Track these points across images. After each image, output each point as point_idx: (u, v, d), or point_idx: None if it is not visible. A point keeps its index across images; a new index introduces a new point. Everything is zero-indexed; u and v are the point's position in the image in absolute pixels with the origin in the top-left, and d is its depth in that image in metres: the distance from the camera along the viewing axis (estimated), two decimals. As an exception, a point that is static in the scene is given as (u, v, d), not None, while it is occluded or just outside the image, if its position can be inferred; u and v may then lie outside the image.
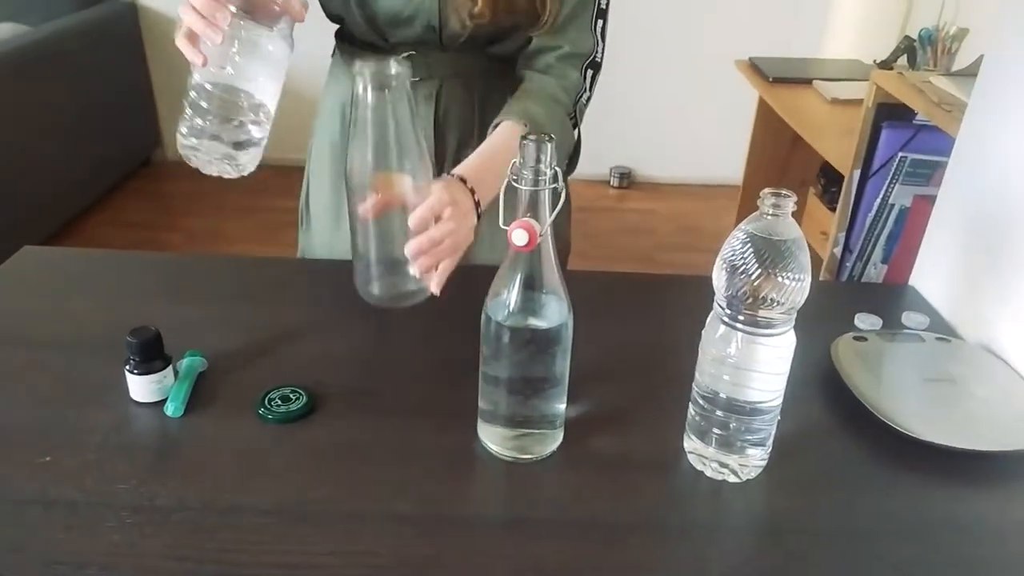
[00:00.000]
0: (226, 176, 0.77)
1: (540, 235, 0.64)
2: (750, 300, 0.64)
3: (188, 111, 0.74)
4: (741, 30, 2.98)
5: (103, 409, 0.77)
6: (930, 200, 1.24)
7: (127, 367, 0.77)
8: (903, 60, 2.24)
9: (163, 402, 0.77)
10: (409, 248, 0.76)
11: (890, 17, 2.46)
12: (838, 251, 1.49)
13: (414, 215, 0.76)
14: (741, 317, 0.66)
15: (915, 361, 0.86)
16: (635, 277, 1.18)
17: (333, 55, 1.12)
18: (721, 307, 0.67)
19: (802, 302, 0.64)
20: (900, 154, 1.28)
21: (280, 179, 3.38)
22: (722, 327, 0.68)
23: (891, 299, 1.04)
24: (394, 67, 0.73)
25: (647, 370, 0.86)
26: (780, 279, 0.63)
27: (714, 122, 3.21)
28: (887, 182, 1.31)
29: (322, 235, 1.13)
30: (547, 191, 0.63)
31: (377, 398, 0.81)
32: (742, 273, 0.64)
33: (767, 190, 0.64)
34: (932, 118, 1.22)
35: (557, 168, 0.63)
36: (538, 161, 0.63)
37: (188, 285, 1.01)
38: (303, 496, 0.68)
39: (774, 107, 2.09)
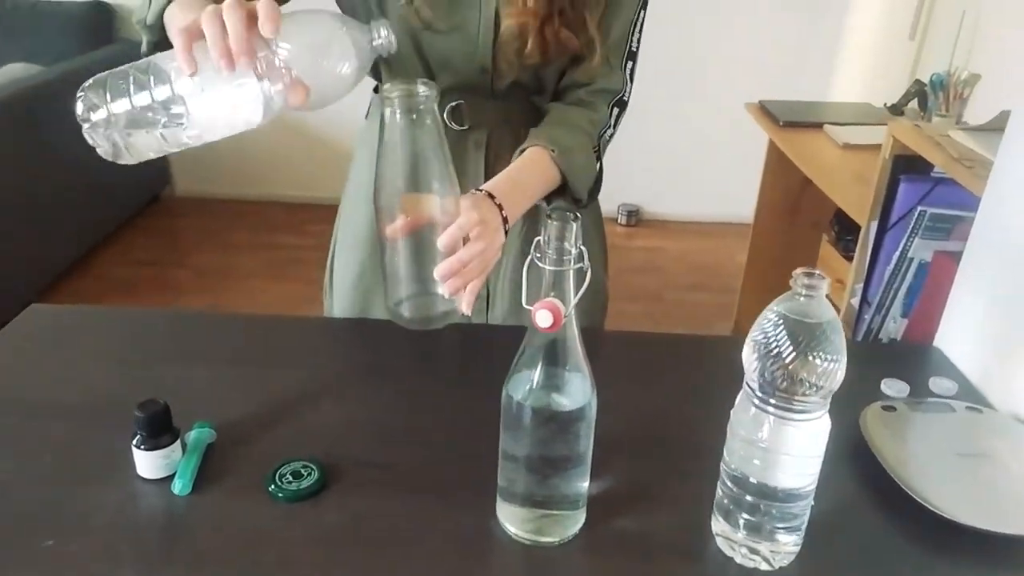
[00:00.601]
0: (99, 152, 0.72)
1: (565, 315, 0.61)
2: (783, 383, 0.62)
3: (119, 83, 0.68)
4: (750, 71, 2.99)
5: (108, 486, 0.74)
6: (952, 256, 1.22)
7: (134, 442, 0.75)
8: (914, 104, 2.24)
9: (171, 478, 0.75)
10: (439, 270, 0.75)
11: (900, 60, 2.46)
12: (856, 302, 1.46)
13: (443, 236, 0.75)
14: (773, 400, 0.63)
15: (947, 434, 0.83)
16: (659, 338, 1.15)
17: (368, 116, 1.11)
18: (752, 389, 0.65)
19: (838, 386, 0.62)
20: (919, 208, 1.26)
21: (288, 216, 3.40)
22: (753, 408, 0.65)
23: (917, 362, 1.01)
24: (422, 88, 0.72)
25: (672, 442, 0.83)
26: (815, 363, 0.61)
27: (722, 160, 3.21)
28: (906, 236, 1.29)
29: (344, 299, 1.12)
30: (572, 271, 0.61)
31: (392, 472, 0.78)
32: (775, 356, 0.62)
33: (799, 270, 0.61)
34: (952, 174, 1.20)
35: (582, 247, 0.61)
36: (562, 239, 0.61)
37: (198, 345, 0.99)
38: (315, 585, 0.65)
39: (785, 152, 2.08)
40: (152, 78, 0.68)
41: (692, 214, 3.39)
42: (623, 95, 1.00)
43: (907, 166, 1.35)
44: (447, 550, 0.69)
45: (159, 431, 0.75)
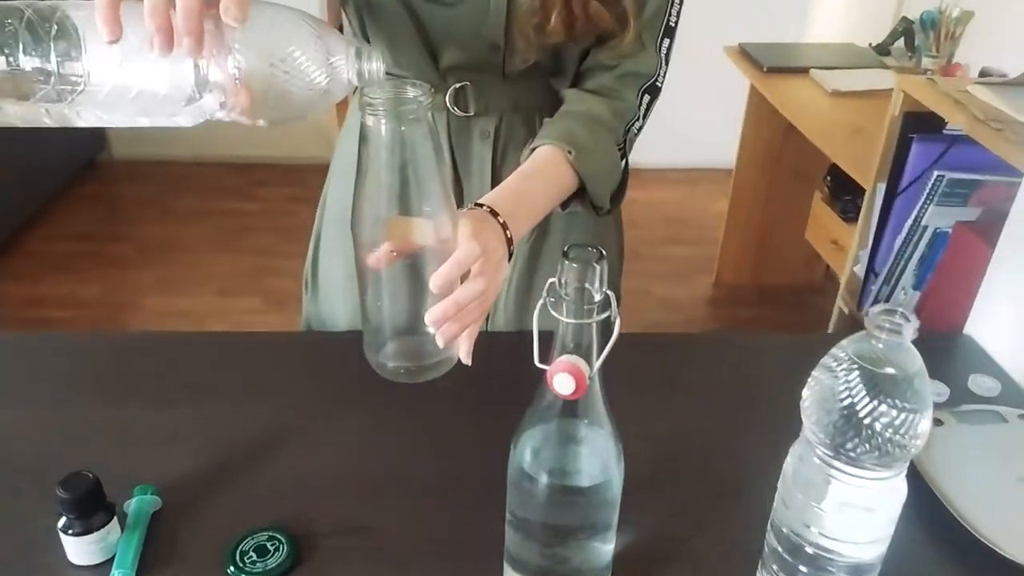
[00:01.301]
0: None
1: (589, 378, 0.49)
2: (856, 444, 0.51)
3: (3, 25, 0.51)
4: (724, 8, 2.82)
5: (32, 578, 0.61)
6: (975, 228, 1.12)
7: (60, 526, 0.61)
8: (900, 44, 2.12)
9: (108, 563, 0.62)
10: (431, 315, 0.62)
11: (885, -4, 2.33)
12: (860, 270, 1.36)
13: (437, 275, 0.61)
14: (841, 462, 0.52)
15: (1003, 452, 0.74)
16: (678, 340, 1.02)
17: (355, 93, 0.94)
18: (813, 444, 0.54)
19: (922, 444, 0.51)
20: (935, 173, 1.15)
21: (236, 178, 3.19)
22: (814, 463, 0.54)
23: (949, 355, 0.91)
24: (411, 91, 0.57)
25: (704, 479, 0.72)
26: (897, 419, 0.50)
27: (696, 106, 3.06)
28: (920, 202, 1.19)
29: (331, 300, 0.97)
30: (595, 324, 0.49)
31: (376, 536, 0.66)
32: (846, 411, 0.50)
33: (879, 309, 0.50)
34: (979, 137, 1.09)
35: (609, 292, 0.48)
36: (584, 286, 0.48)
37: (131, 377, 0.84)
38: None
39: (772, 101, 1.96)
40: (55, 29, 0.51)
41: (665, 162, 3.26)
42: (656, 79, 0.84)
43: (918, 124, 1.24)
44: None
45: (90, 511, 0.62)
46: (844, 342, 0.52)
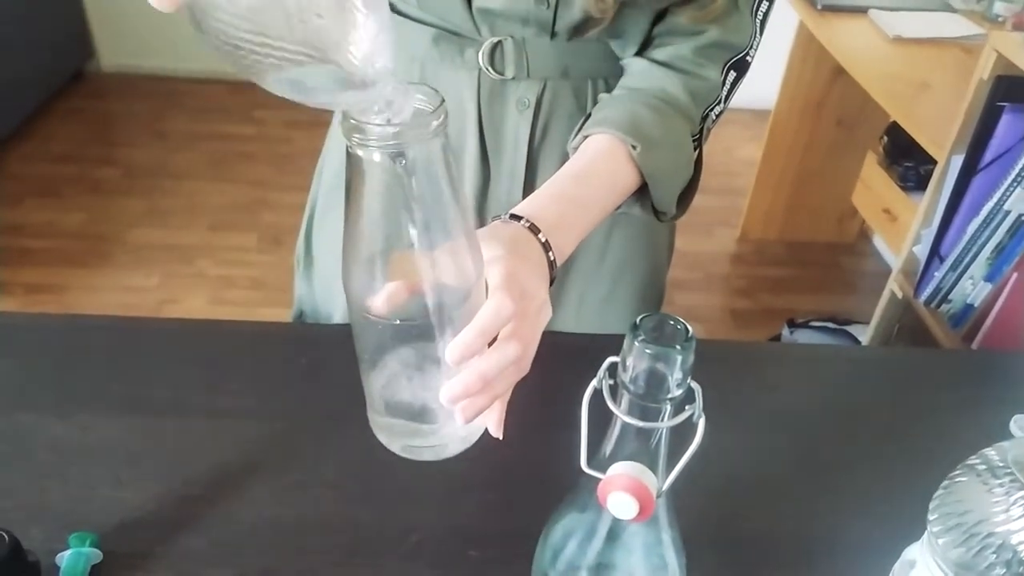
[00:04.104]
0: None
1: (657, 498, 0.36)
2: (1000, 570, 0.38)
3: None
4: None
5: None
6: (1075, 221, 0.96)
7: (-33, 597, 0.49)
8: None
9: (33, 637, 0.50)
10: (448, 393, 0.47)
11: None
12: (920, 251, 1.21)
13: (453, 345, 0.46)
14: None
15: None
16: (734, 351, 0.85)
17: None
18: (944, 566, 0.41)
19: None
20: (1030, 150, 0.99)
21: (234, 98, 2.99)
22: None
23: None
24: (420, 99, 0.42)
25: (770, 555, 0.59)
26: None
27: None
28: (1006, 183, 1.03)
29: (327, 280, 0.82)
30: (668, 429, 0.35)
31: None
32: (998, 538, 0.37)
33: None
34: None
35: (694, 384, 0.34)
36: (657, 376, 0.34)
37: (85, 378, 0.70)
38: None
39: (824, 44, 1.75)
40: None
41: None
42: (748, 52, 0.67)
43: (1010, 91, 1.06)
44: None
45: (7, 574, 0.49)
46: (1006, 444, 0.39)
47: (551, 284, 0.54)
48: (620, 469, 0.35)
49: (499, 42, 0.67)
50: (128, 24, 2.87)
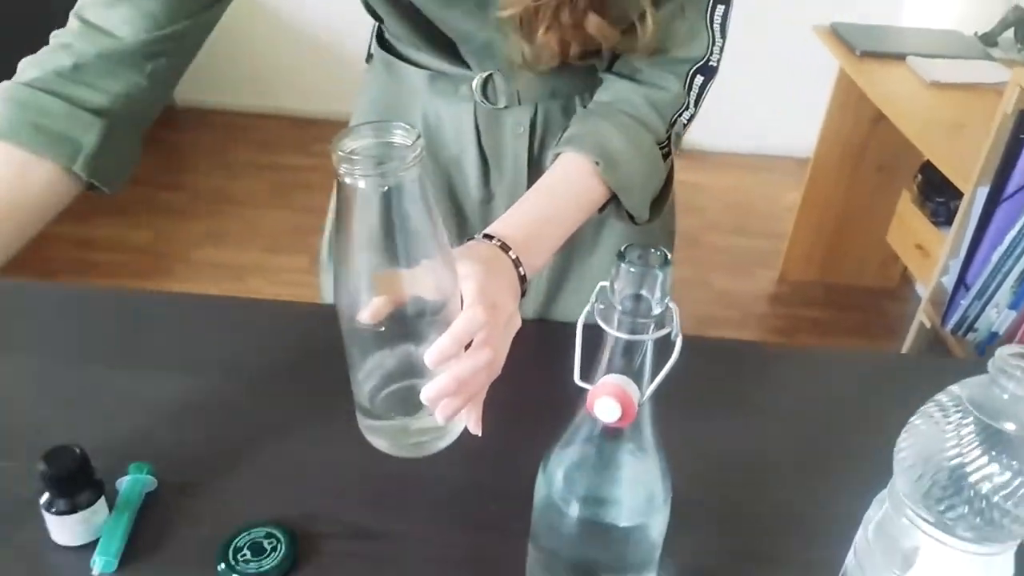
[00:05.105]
0: None
1: (639, 404, 0.41)
2: (960, 506, 0.42)
3: None
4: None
5: (10, 558, 0.56)
6: (1094, 246, 0.98)
7: (42, 503, 0.56)
8: (1010, 34, 1.94)
9: (92, 545, 0.56)
10: (427, 393, 0.53)
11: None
12: (948, 281, 1.24)
13: (432, 351, 0.52)
14: (939, 523, 0.43)
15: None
16: (743, 348, 0.91)
17: (369, 60, 0.84)
18: (905, 500, 0.44)
19: (1044, 524, 0.42)
20: (1051, 179, 1.02)
21: (295, 132, 3.15)
22: (903, 524, 0.45)
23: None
24: (397, 137, 0.49)
25: (763, 523, 0.63)
26: (1013, 486, 0.40)
27: (776, 87, 2.89)
28: (1028, 212, 1.05)
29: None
30: (652, 341, 0.40)
31: (386, 543, 0.59)
32: (954, 468, 0.41)
33: (1008, 350, 0.40)
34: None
35: (672, 305, 0.40)
36: (640, 295, 0.39)
37: (147, 344, 0.78)
38: None
39: (863, 87, 1.80)
40: None
41: (736, 146, 3.09)
42: (708, 58, 0.70)
43: (1034, 123, 1.10)
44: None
45: (76, 488, 0.56)
46: (957, 387, 0.43)
47: (522, 296, 0.60)
48: (607, 379, 0.40)
49: (490, 75, 0.73)
50: (198, 61, 3.06)
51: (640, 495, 0.45)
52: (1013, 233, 1.07)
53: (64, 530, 0.57)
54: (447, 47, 0.72)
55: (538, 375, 0.58)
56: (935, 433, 0.42)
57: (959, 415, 0.41)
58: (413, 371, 0.56)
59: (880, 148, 2.09)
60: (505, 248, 0.60)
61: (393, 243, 0.50)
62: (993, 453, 0.40)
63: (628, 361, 0.41)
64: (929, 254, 1.45)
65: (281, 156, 2.85)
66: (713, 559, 0.59)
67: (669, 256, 0.39)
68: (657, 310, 0.39)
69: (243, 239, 2.39)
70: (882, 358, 0.87)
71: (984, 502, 0.41)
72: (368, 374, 0.57)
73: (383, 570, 0.57)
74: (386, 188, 0.48)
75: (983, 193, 1.14)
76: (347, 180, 0.48)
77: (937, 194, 1.47)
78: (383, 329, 0.53)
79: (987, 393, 0.41)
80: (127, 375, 0.73)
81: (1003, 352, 0.40)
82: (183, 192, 2.62)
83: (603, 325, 0.40)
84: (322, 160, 2.84)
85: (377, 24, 0.79)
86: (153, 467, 0.62)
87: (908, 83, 1.75)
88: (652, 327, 0.40)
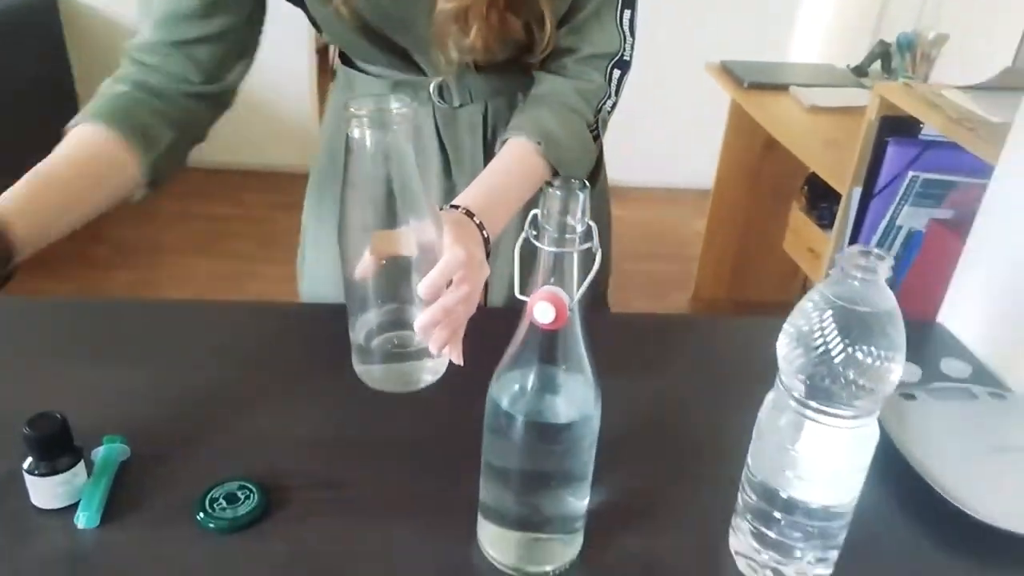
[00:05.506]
0: None
1: (570, 309, 0.49)
2: (828, 383, 0.52)
3: None
4: (706, 31, 2.89)
5: (-6, 522, 0.60)
6: (948, 225, 1.14)
7: (25, 466, 0.60)
8: (877, 66, 2.17)
9: (73, 507, 0.61)
10: (420, 322, 0.63)
11: (862, 21, 2.39)
12: (835, 274, 1.38)
13: (425, 283, 0.63)
14: (815, 403, 0.53)
15: (973, 424, 0.75)
16: (668, 320, 1.03)
17: (334, 77, 0.95)
18: (787, 388, 0.54)
19: (893, 388, 0.52)
20: (911, 173, 1.18)
21: (218, 183, 3.18)
22: (788, 411, 0.55)
23: (922, 341, 0.93)
24: (394, 103, 0.60)
25: (683, 444, 0.72)
26: (869, 360, 0.50)
27: (678, 125, 3.12)
28: (894, 203, 1.21)
29: (320, 278, 0.98)
30: (577, 253, 0.49)
31: (349, 491, 0.65)
32: (820, 351, 0.51)
33: (854, 248, 0.51)
34: (953, 136, 1.12)
35: (591, 223, 0.49)
36: (566, 214, 0.48)
37: (109, 339, 0.84)
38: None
39: (752, 114, 1.99)
40: None
41: (645, 181, 3.29)
42: (623, 53, 0.83)
43: (893, 129, 1.27)
44: (418, 586, 0.57)
45: (56, 452, 0.61)
46: (820, 286, 0.53)
47: (487, 256, 0.70)
48: (542, 288, 0.49)
49: (443, 80, 0.85)
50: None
51: (576, 394, 0.54)
52: (884, 223, 1.22)
53: (46, 493, 0.61)
54: (402, 57, 0.83)
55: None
56: (807, 329, 0.52)
57: (822, 306, 0.52)
58: (404, 317, 0.66)
59: (773, 172, 2.29)
60: (470, 214, 0.70)
61: (391, 200, 0.61)
62: (852, 334, 0.50)
63: (559, 273, 0.49)
64: (819, 255, 1.61)
65: (205, 207, 2.87)
66: (640, 481, 0.68)
67: (587, 183, 0.48)
68: (580, 228, 0.48)
69: (172, 287, 2.39)
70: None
71: (850, 377, 0.51)
72: (365, 315, 0.67)
73: (347, 512, 0.63)
74: (387, 137, 0.59)
75: (857, 192, 1.30)
76: (356, 134, 0.59)
77: (821, 200, 1.63)
78: (381, 279, 0.64)
79: (842, 285, 0.51)
80: (98, 368, 0.78)
81: (851, 251, 0.51)
82: (106, 244, 2.60)
83: (536, 244, 0.49)
84: (249, 209, 2.89)
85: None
86: (125, 438, 0.67)
87: (791, 109, 1.95)
88: (577, 241, 0.49)
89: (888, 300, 0.51)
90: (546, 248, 0.49)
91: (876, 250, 0.50)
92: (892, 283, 1.22)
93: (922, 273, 1.14)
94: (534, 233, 0.50)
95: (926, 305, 0.99)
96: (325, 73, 3.23)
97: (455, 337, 0.65)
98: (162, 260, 2.53)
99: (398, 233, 0.63)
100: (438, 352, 0.65)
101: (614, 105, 0.85)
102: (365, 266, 0.63)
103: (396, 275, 0.65)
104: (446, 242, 0.64)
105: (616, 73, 0.84)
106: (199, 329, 0.86)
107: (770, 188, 2.32)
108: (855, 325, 0.50)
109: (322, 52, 3.27)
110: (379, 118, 0.59)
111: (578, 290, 0.50)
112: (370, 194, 0.62)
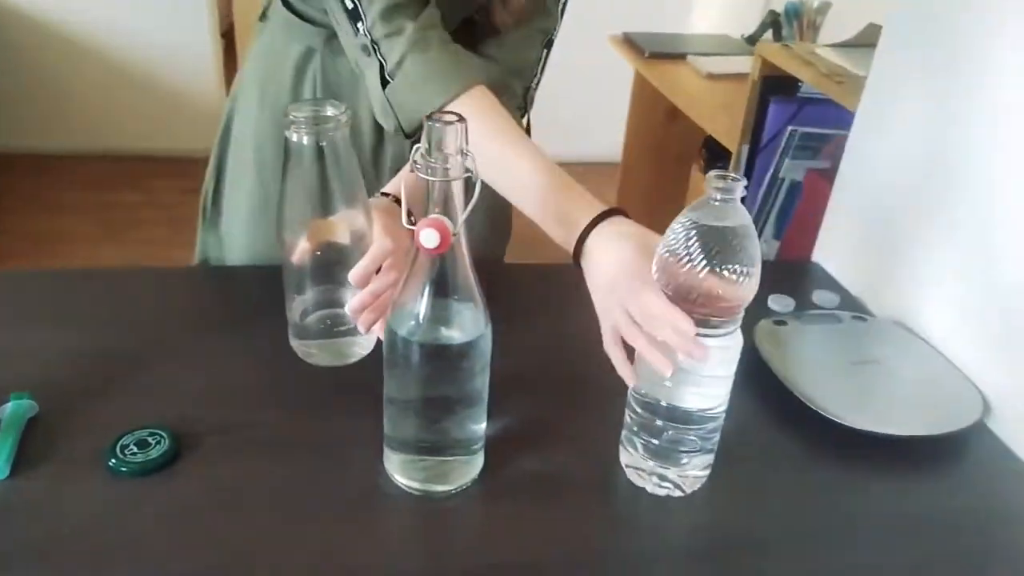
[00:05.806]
0: None
1: (454, 234, 0.53)
2: (695, 297, 0.57)
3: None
4: (611, 4, 2.95)
5: None
6: (823, 174, 1.23)
7: (-74, 424, 0.60)
8: (768, 35, 2.28)
9: (-20, 464, 0.61)
10: (351, 305, 0.69)
11: (754, -8, 2.49)
12: (729, 228, 1.46)
13: (355, 271, 0.68)
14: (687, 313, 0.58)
15: (838, 344, 0.83)
16: (561, 269, 1.08)
17: (264, 19, 0.93)
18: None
19: (751, 297, 0.58)
20: (789, 128, 1.26)
21: (121, 171, 3.08)
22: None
23: (798, 277, 1.01)
24: (331, 110, 0.66)
25: (575, 376, 0.77)
26: (729, 273, 0.56)
27: (583, 99, 3.18)
28: (777, 157, 1.30)
29: (239, 229, 0.96)
30: (459, 182, 0.53)
31: (257, 432, 0.68)
32: (686, 266, 0.56)
33: (713, 173, 0.56)
34: (824, 90, 1.20)
35: (471, 151, 0.53)
36: (445, 146, 0.52)
37: (15, 306, 0.83)
38: (171, 567, 0.55)
39: (653, 83, 2.07)
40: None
41: (560, 154, 3.34)
42: (554, 34, 0.88)
43: (775, 88, 1.35)
44: (328, 512, 0.61)
45: (-41, 407, 0.61)
46: (686, 209, 0.58)
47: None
48: (428, 217, 0.53)
49: None
50: (8, 107, 2.93)
51: (466, 317, 0.58)
52: (768, 176, 1.31)
53: (-50, 449, 0.61)
54: None
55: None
56: (674, 248, 0.57)
57: (688, 226, 0.57)
58: (337, 297, 0.73)
59: (677, 141, 2.38)
60: (398, 202, 0.74)
61: (327, 194, 0.67)
62: (713, 250, 0.56)
63: (443, 203, 0.53)
64: (717, 212, 1.70)
65: (110, 194, 2.79)
66: (537, 411, 0.72)
67: (463, 116, 0.52)
68: (459, 156, 0.52)
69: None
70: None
71: (711, 295, 0.57)
72: (301, 296, 0.73)
73: (257, 453, 0.65)
74: (323, 143, 0.65)
75: (745, 149, 1.38)
76: (294, 137, 0.65)
77: (718, 161, 1.72)
78: (317, 264, 0.71)
79: (705, 207, 0.57)
80: (8, 334, 0.78)
81: (711, 175, 0.56)
82: (10, 235, 2.50)
83: (420, 176, 0.53)
84: (155, 195, 2.82)
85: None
86: (31, 395, 0.68)
87: (690, 77, 2.04)
88: (458, 170, 0.52)
89: (743, 217, 0.56)
90: (429, 179, 0.53)
91: (732, 174, 0.56)
92: (778, 232, 1.30)
93: (803, 220, 1.23)
94: (418, 166, 0.53)
95: (808, 250, 1.08)
96: (231, 57, 3.16)
97: (383, 319, 0.68)
98: (69, 249, 2.44)
99: (332, 222, 0.69)
100: (365, 332, 0.70)
101: (538, 83, 0.90)
102: (302, 252, 0.69)
103: (330, 260, 0.71)
104: (376, 231, 0.70)
105: (545, 53, 0.89)
106: (104, 294, 0.86)
107: (674, 155, 2.41)
108: (716, 242, 0.56)
109: (227, 36, 3.20)
110: (316, 123, 0.65)
111: (462, 214, 0.54)
112: (307, 190, 0.67)
